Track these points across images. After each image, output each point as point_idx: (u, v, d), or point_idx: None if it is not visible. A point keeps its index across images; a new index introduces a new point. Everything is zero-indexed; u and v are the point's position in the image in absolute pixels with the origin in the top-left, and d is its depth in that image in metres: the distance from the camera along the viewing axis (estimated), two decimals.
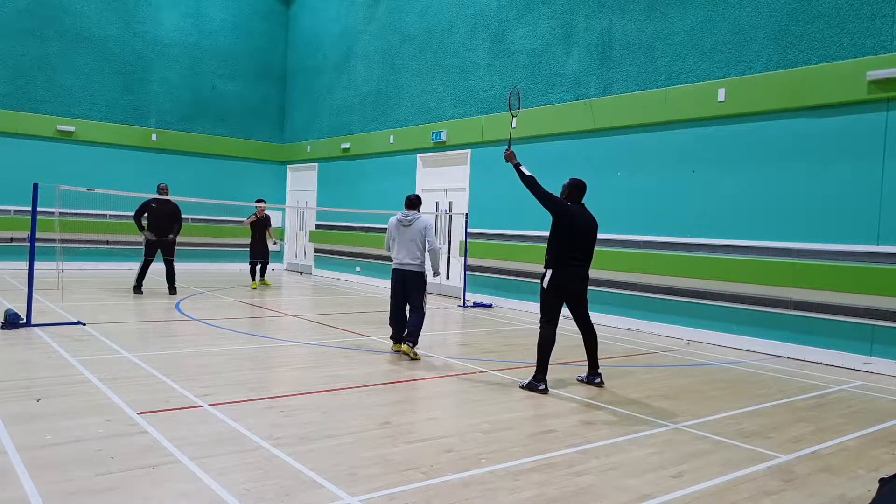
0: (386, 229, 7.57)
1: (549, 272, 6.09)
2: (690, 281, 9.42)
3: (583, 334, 6.40)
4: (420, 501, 3.50)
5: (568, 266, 6.09)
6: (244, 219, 14.43)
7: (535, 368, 6.08)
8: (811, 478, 4.12)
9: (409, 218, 7.29)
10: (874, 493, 3.42)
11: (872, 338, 7.70)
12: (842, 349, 7.94)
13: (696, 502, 3.66)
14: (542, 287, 6.16)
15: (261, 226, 13.67)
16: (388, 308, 7.60)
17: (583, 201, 6.32)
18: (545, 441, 4.61)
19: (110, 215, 15.88)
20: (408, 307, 7.44)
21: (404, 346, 7.19)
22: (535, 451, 4.36)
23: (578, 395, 5.96)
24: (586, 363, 6.47)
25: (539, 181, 6.12)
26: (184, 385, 5.63)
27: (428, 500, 3.53)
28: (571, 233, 6.08)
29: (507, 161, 6.32)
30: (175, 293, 11.94)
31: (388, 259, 7.46)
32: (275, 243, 14.64)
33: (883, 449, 4.77)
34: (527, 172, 6.14)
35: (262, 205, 13.55)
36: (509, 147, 6.41)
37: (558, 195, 6.31)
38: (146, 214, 11.69)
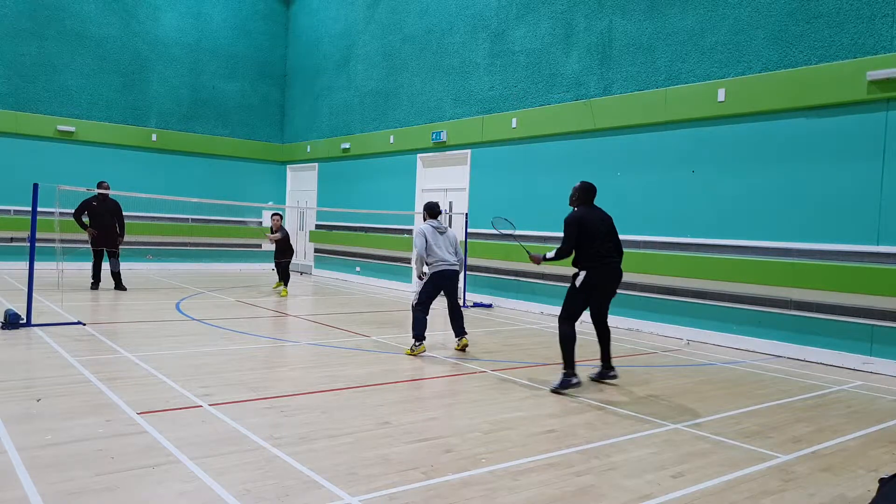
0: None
1: (584, 273, 6.11)
2: (690, 281, 9.42)
3: (598, 331, 6.47)
4: (420, 501, 3.50)
5: (603, 266, 6.13)
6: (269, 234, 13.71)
7: (562, 365, 6.07)
8: (811, 478, 4.12)
9: (443, 226, 7.83)
10: (874, 493, 3.43)
11: (872, 338, 7.70)
12: (841, 349, 7.94)
13: (696, 502, 3.66)
14: (573, 285, 6.17)
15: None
16: (412, 312, 7.59)
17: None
18: (545, 441, 4.61)
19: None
20: (446, 306, 7.86)
21: (465, 339, 7.74)
22: (535, 451, 4.36)
23: (578, 395, 5.95)
24: (589, 362, 6.47)
25: (557, 252, 6.21)
26: (184, 385, 5.63)
27: (428, 500, 3.53)
28: (591, 233, 6.13)
29: (539, 264, 6.49)
30: (123, 290, 12.11)
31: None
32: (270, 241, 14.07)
33: (883, 449, 4.77)
34: (551, 255, 6.28)
35: (275, 218, 13.12)
36: (532, 255, 6.52)
37: (569, 198, 6.47)
38: (86, 213, 12.00)
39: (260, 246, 13.98)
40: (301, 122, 18.77)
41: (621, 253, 6.40)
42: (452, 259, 7.67)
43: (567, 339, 6.08)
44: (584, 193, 6.39)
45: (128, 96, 16.82)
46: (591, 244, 6.10)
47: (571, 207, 6.45)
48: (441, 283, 7.63)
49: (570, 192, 6.50)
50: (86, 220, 12.00)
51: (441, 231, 7.72)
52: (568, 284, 6.32)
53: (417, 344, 7.49)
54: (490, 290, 12.66)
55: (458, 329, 7.80)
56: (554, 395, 5.91)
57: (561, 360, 6.10)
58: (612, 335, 9.26)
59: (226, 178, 18.15)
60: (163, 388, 5.52)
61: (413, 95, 14.82)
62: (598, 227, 6.19)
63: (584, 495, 3.68)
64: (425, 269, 7.67)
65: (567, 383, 5.97)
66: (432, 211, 7.92)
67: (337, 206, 16.83)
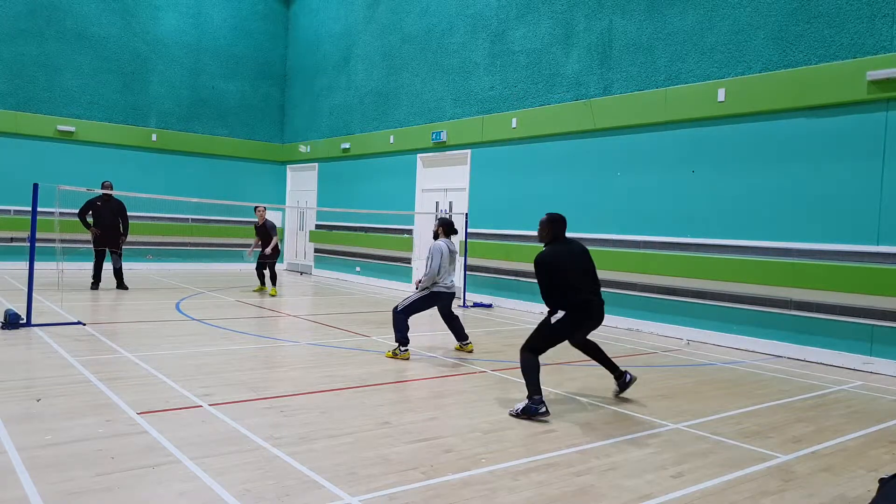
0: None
1: (563, 312, 5.30)
2: (690, 281, 9.42)
3: (585, 351, 5.96)
4: (420, 501, 3.50)
5: (582, 309, 5.39)
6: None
7: (527, 391, 5.19)
8: (811, 478, 4.12)
9: (455, 247, 7.59)
10: (874, 493, 3.43)
11: (872, 338, 7.70)
12: (841, 349, 7.94)
13: (696, 502, 3.66)
14: (548, 321, 5.33)
15: (260, 232, 12.95)
16: (396, 317, 7.29)
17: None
18: (545, 441, 4.61)
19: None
20: (440, 316, 7.77)
21: (471, 345, 7.81)
22: (535, 451, 4.36)
23: (578, 396, 5.95)
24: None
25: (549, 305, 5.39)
26: (184, 385, 5.63)
27: (428, 500, 3.53)
28: (564, 274, 5.38)
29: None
30: (125, 288, 12.22)
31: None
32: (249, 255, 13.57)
33: (883, 449, 4.77)
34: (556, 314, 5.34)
35: (259, 210, 12.89)
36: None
37: (538, 234, 5.68)
38: (91, 212, 12.08)
39: (260, 245, 13.97)
40: (301, 122, 18.77)
41: (599, 288, 5.63)
42: (450, 282, 7.50)
43: (531, 367, 5.21)
44: (554, 227, 5.53)
45: (128, 96, 16.82)
46: (567, 286, 5.33)
47: (542, 244, 5.64)
48: (436, 304, 7.52)
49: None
50: (89, 219, 12.05)
51: (453, 253, 7.49)
52: None
53: (404, 349, 7.23)
54: (490, 290, 12.66)
55: (462, 335, 7.78)
56: (552, 395, 5.91)
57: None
58: (611, 335, 9.29)
59: (226, 178, 18.15)
60: (163, 388, 5.52)
61: (413, 95, 14.82)
62: (572, 267, 5.43)
63: (584, 495, 3.68)
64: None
65: (534, 411, 5.05)
66: (450, 228, 7.55)
67: (337, 206, 16.83)
